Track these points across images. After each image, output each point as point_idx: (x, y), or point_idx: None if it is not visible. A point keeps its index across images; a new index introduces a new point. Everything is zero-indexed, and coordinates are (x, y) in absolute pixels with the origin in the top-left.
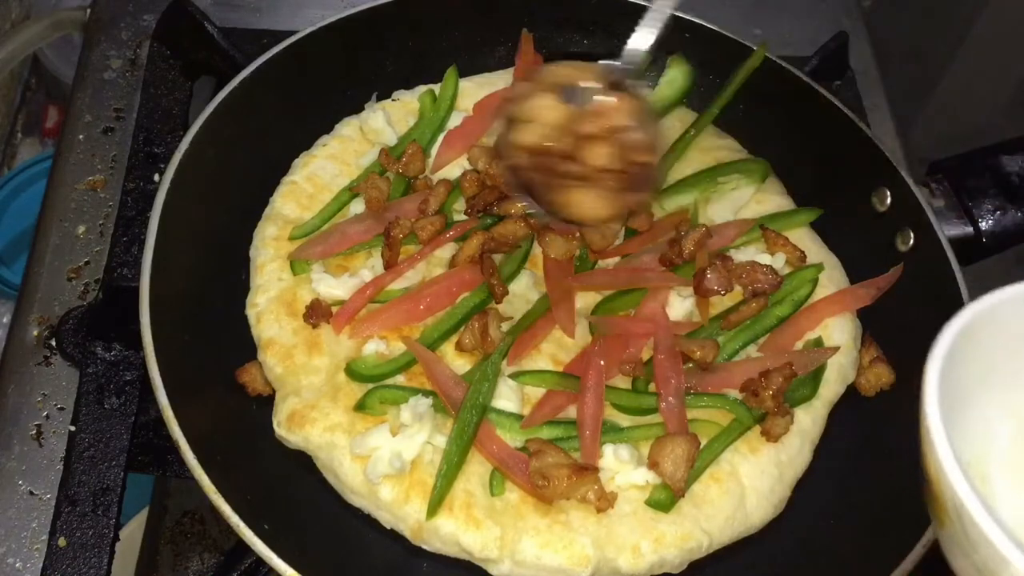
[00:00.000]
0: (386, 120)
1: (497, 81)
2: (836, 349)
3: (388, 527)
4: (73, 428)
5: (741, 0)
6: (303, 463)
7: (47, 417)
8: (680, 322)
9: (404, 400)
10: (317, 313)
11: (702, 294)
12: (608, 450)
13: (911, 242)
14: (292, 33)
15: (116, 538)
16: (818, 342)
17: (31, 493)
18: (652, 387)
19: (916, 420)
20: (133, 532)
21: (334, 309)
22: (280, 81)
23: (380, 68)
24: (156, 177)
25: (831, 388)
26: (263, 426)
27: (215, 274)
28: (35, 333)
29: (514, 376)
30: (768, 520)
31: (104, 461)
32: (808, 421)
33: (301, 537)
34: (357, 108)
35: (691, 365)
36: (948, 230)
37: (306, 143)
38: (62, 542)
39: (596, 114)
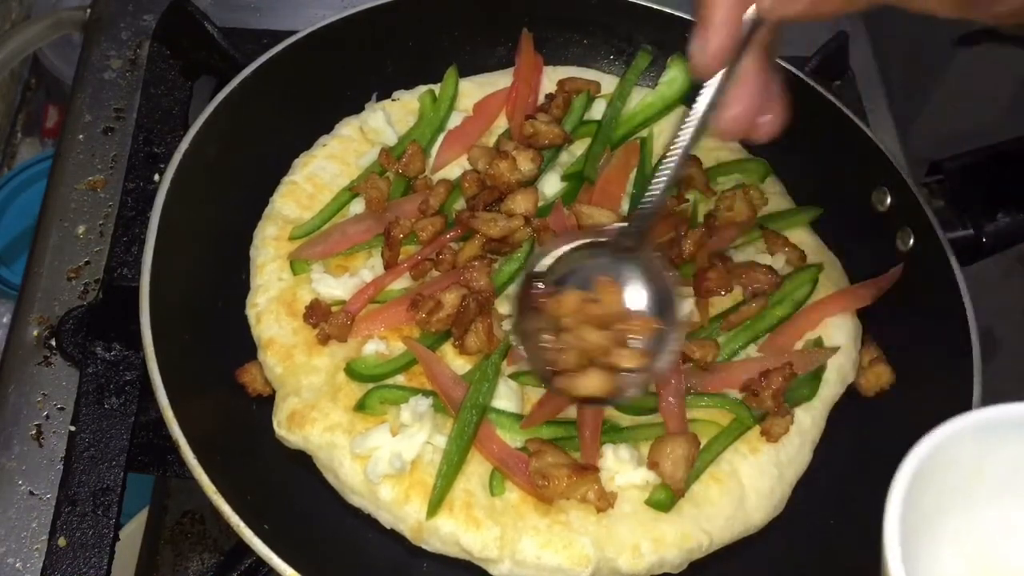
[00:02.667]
0: (386, 120)
1: (497, 81)
2: (836, 349)
3: (388, 527)
4: (73, 428)
5: None
6: (303, 463)
7: (47, 417)
8: (680, 322)
9: (404, 400)
10: (317, 313)
11: (702, 294)
12: (608, 450)
13: (911, 242)
14: (292, 33)
15: (116, 538)
16: (818, 342)
17: (31, 493)
18: (652, 387)
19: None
20: (133, 532)
21: (334, 309)
22: (280, 81)
23: (380, 68)
24: (156, 177)
25: (831, 388)
26: (263, 426)
27: (215, 274)
28: (35, 333)
29: (514, 376)
30: (768, 520)
31: (104, 461)
32: (808, 421)
33: (301, 537)
34: (357, 108)
35: (691, 365)
36: (948, 230)
37: (306, 143)
38: (62, 542)
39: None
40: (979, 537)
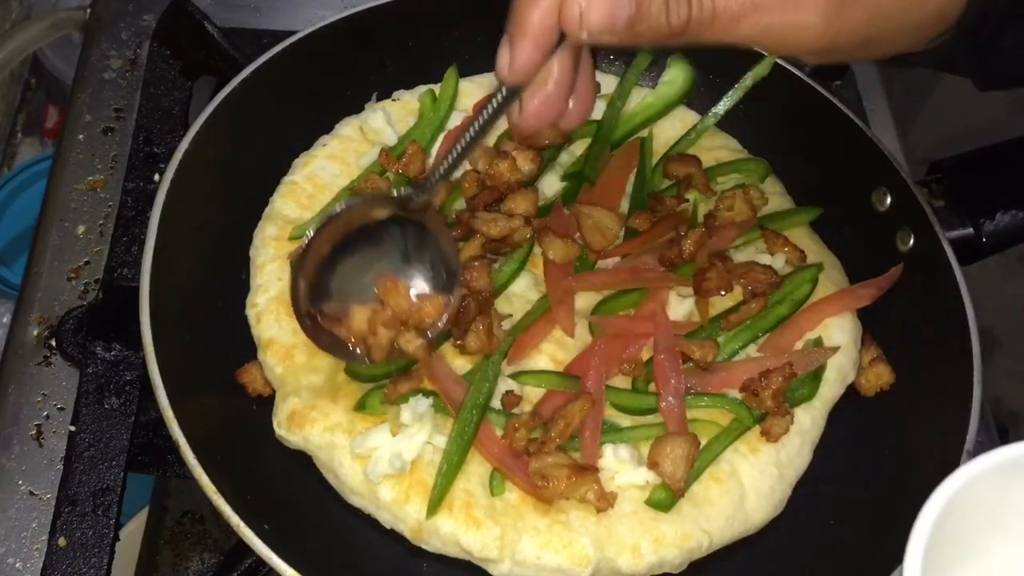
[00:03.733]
0: (386, 120)
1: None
2: (836, 349)
3: (388, 527)
4: (73, 428)
5: None
6: (303, 463)
7: (47, 417)
8: (680, 322)
9: (404, 400)
10: None
11: (702, 294)
12: (608, 450)
13: (911, 242)
14: (292, 33)
15: (116, 538)
16: (818, 342)
17: (31, 493)
18: (652, 387)
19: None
20: (133, 532)
21: None
22: (280, 81)
23: (380, 68)
24: (156, 177)
25: (831, 388)
26: (263, 426)
27: (215, 274)
28: (35, 333)
29: (514, 376)
30: (768, 520)
31: (104, 461)
32: (808, 421)
33: (301, 537)
34: (357, 108)
35: (691, 365)
36: (948, 230)
37: (306, 143)
38: (62, 542)
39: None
40: None
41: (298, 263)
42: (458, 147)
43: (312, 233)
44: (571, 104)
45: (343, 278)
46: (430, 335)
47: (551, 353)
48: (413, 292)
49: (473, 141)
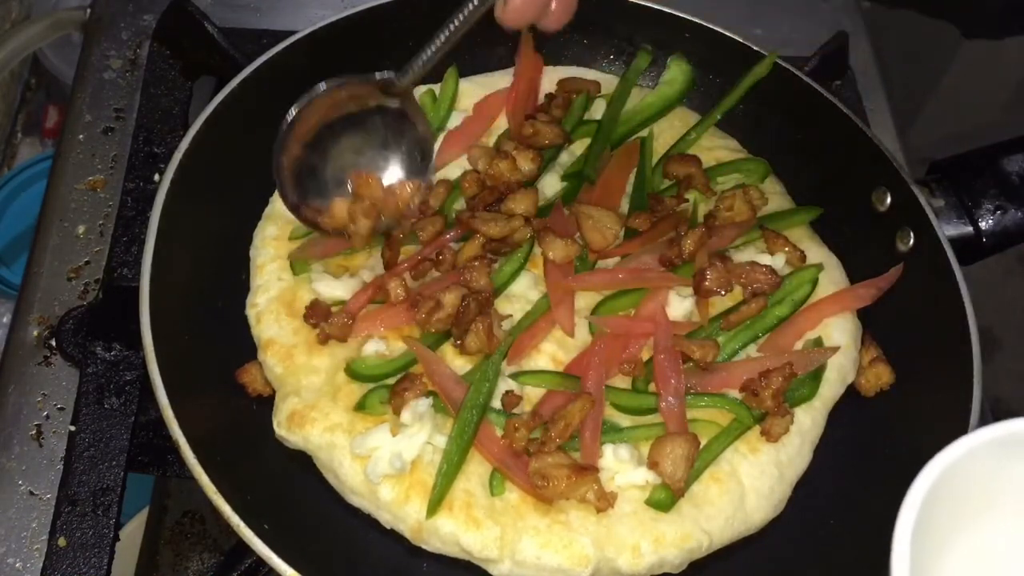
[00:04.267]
0: None
1: (497, 81)
2: (836, 349)
3: (388, 527)
4: (73, 428)
5: (741, 0)
6: (303, 463)
7: (47, 417)
8: (680, 322)
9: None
10: (317, 313)
11: (702, 294)
12: (608, 450)
13: (911, 242)
14: (292, 33)
15: (116, 538)
16: (818, 342)
17: (31, 493)
18: (652, 387)
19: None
20: (133, 532)
21: (334, 309)
22: (280, 81)
23: (380, 68)
24: (156, 177)
25: (831, 388)
26: (263, 426)
27: (215, 274)
28: (35, 333)
29: (514, 376)
30: (768, 520)
31: (104, 461)
32: (808, 421)
33: (301, 537)
34: None
35: (691, 365)
36: (948, 230)
37: None
38: (62, 542)
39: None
40: (989, 559)
41: (281, 144)
42: (442, 35)
43: (295, 112)
44: (553, 5)
45: (324, 166)
46: (412, 212)
47: (551, 353)
48: (388, 178)
49: (456, 30)
